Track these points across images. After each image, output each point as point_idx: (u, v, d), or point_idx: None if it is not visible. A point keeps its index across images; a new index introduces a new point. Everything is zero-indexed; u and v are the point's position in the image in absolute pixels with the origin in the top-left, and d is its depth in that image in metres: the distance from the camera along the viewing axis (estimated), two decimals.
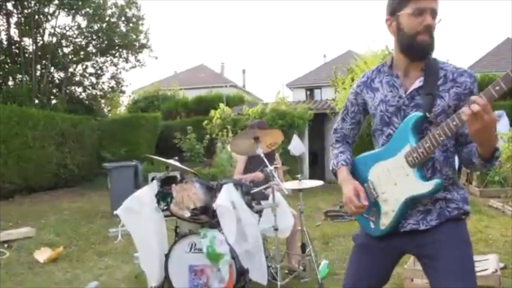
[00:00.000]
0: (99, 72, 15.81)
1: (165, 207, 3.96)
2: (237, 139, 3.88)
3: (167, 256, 3.59)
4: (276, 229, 3.69)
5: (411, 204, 1.84)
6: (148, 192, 3.91)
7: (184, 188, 3.76)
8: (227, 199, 3.56)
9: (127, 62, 15.65)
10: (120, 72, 15.96)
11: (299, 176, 4.29)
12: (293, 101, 15.34)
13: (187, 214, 3.67)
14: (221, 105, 13.51)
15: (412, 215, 1.87)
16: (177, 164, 4.11)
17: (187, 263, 3.54)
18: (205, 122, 13.49)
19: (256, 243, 3.59)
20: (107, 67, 15.82)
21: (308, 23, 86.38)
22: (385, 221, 1.90)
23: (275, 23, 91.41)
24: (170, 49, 69.06)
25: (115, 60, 15.61)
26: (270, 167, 3.70)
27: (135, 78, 26.34)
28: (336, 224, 6.87)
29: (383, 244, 1.96)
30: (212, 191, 3.86)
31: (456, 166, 1.82)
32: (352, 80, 12.88)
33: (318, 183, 4.22)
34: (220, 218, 3.57)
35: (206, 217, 3.79)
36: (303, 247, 4.18)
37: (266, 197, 4.11)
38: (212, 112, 13.52)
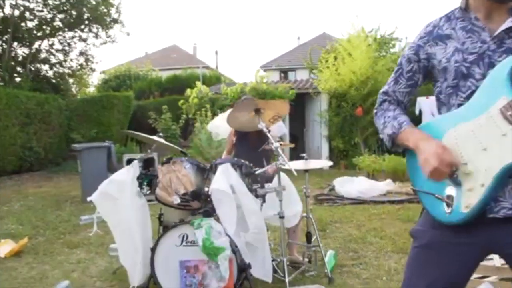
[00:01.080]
0: (66, 48, 14.77)
1: (148, 192, 3.37)
2: (235, 112, 3.30)
3: (153, 250, 3.01)
4: (281, 217, 3.15)
5: (507, 177, 1.35)
6: (128, 174, 3.31)
7: (172, 170, 3.17)
8: (225, 182, 2.99)
9: (97, 38, 14.64)
10: (90, 49, 14.97)
11: (304, 155, 3.75)
12: (272, 81, 14.74)
13: (177, 200, 3.09)
14: (198, 84, 12.85)
15: (506, 196, 1.38)
16: (162, 141, 3.50)
17: (178, 259, 2.96)
18: (181, 101, 12.82)
19: (259, 234, 3.03)
20: (75, 43, 14.79)
21: (282, 5, 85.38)
22: (471, 200, 1.39)
23: (248, 5, 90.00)
24: (141, 29, 67.13)
25: (84, 35, 14.58)
26: (275, 144, 3.14)
27: (106, 55, 25.09)
28: (329, 209, 6.40)
29: (462, 238, 1.46)
30: (205, 172, 3.29)
31: None
32: (335, 58, 12.42)
33: (326, 163, 3.70)
34: (217, 204, 3.01)
35: (198, 203, 3.22)
36: (309, 236, 3.66)
37: (269, 180, 3.56)
38: (188, 91, 12.85)
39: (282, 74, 25.88)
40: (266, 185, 3.48)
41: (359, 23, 12.81)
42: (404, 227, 5.18)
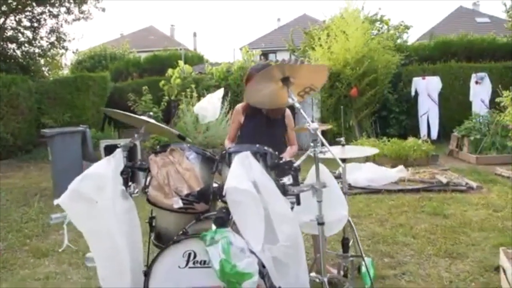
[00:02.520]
0: (35, 25, 13.50)
1: (136, 192, 2.52)
2: (256, 82, 2.43)
3: (147, 274, 2.17)
4: (321, 224, 2.33)
5: None
6: (108, 167, 2.44)
7: (170, 161, 2.31)
8: (245, 177, 2.15)
9: (69, 14, 13.40)
10: (62, 26, 13.70)
11: (341, 139, 2.92)
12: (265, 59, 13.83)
13: (178, 204, 2.24)
14: (180, 63, 11.86)
15: None
16: (153, 121, 2.62)
17: (183, 284, 2.13)
18: (162, 82, 11.83)
19: (293, 248, 2.21)
20: (45, 19, 13.50)
21: None
22: None
23: None
24: (115, 9, 64.88)
25: (55, 11, 13.31)
26: (313, 124, 2.30)
27: (79, 36, 23.55)
28: None
29: None
30: (213, 164, 2.44)
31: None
32: (328, 36, 11.61)
33: (371, 151, 2.89)
34: (234, 208, 2.17)
35: (205, 205, 2.39)
36: (345, 243, 2.86)
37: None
38: (170, 71, 11.85)
39: (262, 57, 25.10)
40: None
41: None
42: (435, 223, 4.46)
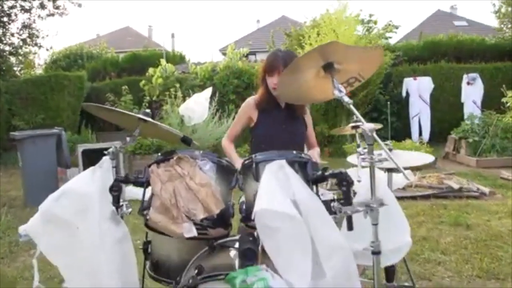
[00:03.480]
0: (5, 20, 12.61)
1: (128, 211, 1.94)
2: (289, 72, 1.86)
3: None
4: (376, 253, 1.78)
5: None
6: (92, 181, 1.86)
7: (178, 174, 1.73)
8: (282, 195, 1.60)
9: (43, 8, 12.53)
10: (34, 21, 12.82)
11: (388, 142, 2.37)
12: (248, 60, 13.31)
13: (191, 232, 1.66)
14: (162, 62, 11.21)
15: None
16: (152, 120, 2.02)
17: None
18: (143, 82, 11.17)
19: (344, 285, 1.66)
20: (16, 14, 12.62)
21: None
22: None
23: None
24: (92, 9, 63.48)
25: (26, 5, 12.44)
26: (368, 124, 1.76)
27: (54, 35, 22.55)
28: None
29: None
30: (232, 176, 1.87)
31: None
32: (318, 35, 11.14)
33: (427, 158, 2.37)
34: (269, 238, 1.61)
35: (223, 230, 1.82)
36: (390, 272, 2.32)
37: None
38: (151, 70, 11.20)
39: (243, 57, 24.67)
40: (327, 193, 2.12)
41: None
42: (460, 235, 4.00)
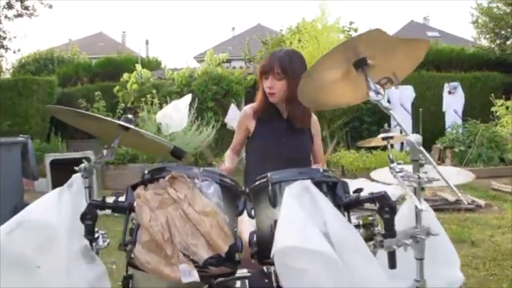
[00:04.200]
0: None
1: (104, 243, 1.53)
2: (316, 71, 1.48)
3: None
4: None
5: None
6: (59, 207, 1.44)
7: (172, 199, 1.32)
8: (311, 226, 1.22)
9: (10, 8, 11.88)
10: (0, 22, 12.15)
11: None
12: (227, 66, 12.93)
13: (191, 276, 1.25)
14: (138, 67, 10.72)
15: None
16: (133, 127, 1.61)
17: None
18: (117, 88, 10.66)
19: None
20: None
21: None
22: None
23: None
24: (64, 13, 62.13)
25: None
26: (414, 136, 1.41)
27: (23, 32, 21.67)
28: None
29: None
30: (239, 200, 1.49)
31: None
32: (299, 41, 10.87)
33: (467, 175, 2.04)
34: (292, 281, 1.22)
35: (227, 268, 1.42)
36: None
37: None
38: (126, 75, 10.69)
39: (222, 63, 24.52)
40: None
41: (325, 5, 11.41)
42: (467, 253, 3.75)
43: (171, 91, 10.41)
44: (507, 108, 7.32)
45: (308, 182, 1.34)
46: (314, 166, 2.37)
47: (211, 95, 10.48)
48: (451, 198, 5.43)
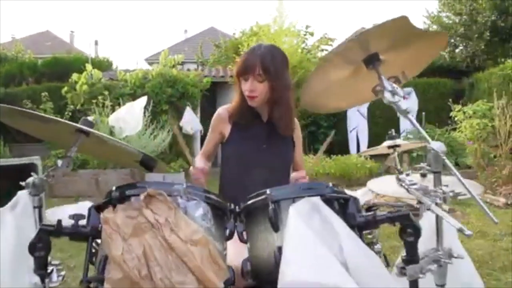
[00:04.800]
0: None
1: (57, 282, 1.22)
2: (318, 72, 1.24)
3: None
4: None
5: None
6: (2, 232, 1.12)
7: (150, 224, 1.04)
8: (326, 254, 0.98)
9: None
10: None
11: (423, 165, 1.81)
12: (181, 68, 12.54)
13: None
14: (88, 67, 10.17)
15: None
16: (96, 132, 1.32)
17: None
18: (65, 89, 10.06)
19: None
20: None
21: None
22: None
23: None
24: (7, 10, 59.20)
25: None
26: (437, 144, 1.20)
27: None
28: None
29: None
30: (227, 221, 1.22)
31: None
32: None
33: (476, 187, 1.85)
34: None
35: None
36: None
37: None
38: (75, 76, 10.09)
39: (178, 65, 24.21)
40: None
41: (283, 7, 11.34)
42: None
43: (123, 93, 9.92)
44: (464, 113, 7.42)
45: (317, 200, 1.10)
46: (294, 173, 2.14)
47: (166, 97, 10.08)
48: (414, 203, 5.37)
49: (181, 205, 1.09)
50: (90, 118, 1.35)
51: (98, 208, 1.16)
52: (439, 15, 14.69)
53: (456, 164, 8.30)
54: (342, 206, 1.19)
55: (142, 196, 1.09)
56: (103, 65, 14.38)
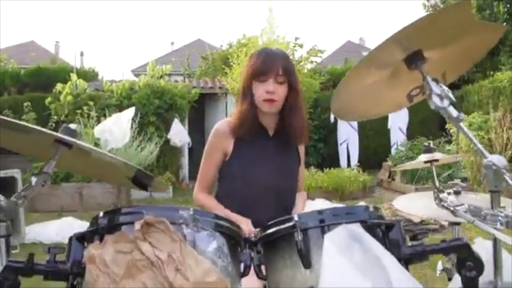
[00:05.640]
0: None
1: None
2: (353, 75, 1.02)
3: None
4: None
5: None
6: None
7: (149, 261, 0.80)
8: None
9: None
10: None
11: (457, 182, 1.59)
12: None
13: None
14: (73, 77, 9.90)
15: None
16: (80, 143, 1.08)
17: None
18: (49, 99, 9.78)
19: None
20: None
21: (154, 9, 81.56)
22: None
23: (117, 5, 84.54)
24: None
25: None
26: (496, 158, 0.98)
27: None
28: None
29: None
30: (241, 253, 0.98)
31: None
32: (246, 55, 10.56)
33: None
34: None
35: None
36: None
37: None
38: (59, 86, 9.81)
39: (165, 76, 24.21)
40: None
41: (273, 18, 11.25)
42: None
43: (109, 104, 9.64)
44: None
45: (356, 227, 0.88)
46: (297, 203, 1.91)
47: (153, 109, 9.82)
48: (416, 219, 5.19)
49: (188, 237, 0.86)
50: (72, 126, 1.12)
51: (82, 239, 0.92)
52: None
53: (450, 177, 8.18)
54: (385, 234, 0.98)
55: (137, 225, 0.85)
56: (88, 76, 14.09)
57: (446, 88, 1.03)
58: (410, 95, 1.19)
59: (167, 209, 0.91)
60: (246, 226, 1.51)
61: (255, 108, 1.76)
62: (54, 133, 1.03)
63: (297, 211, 1.78)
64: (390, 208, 5.71)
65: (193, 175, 10.95)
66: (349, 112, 1.33)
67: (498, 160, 1.01)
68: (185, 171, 10.90)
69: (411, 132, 10.04)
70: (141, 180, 1.23)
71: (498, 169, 0.98)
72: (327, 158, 11.07)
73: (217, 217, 0.95)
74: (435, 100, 1.02)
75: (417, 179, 8.24)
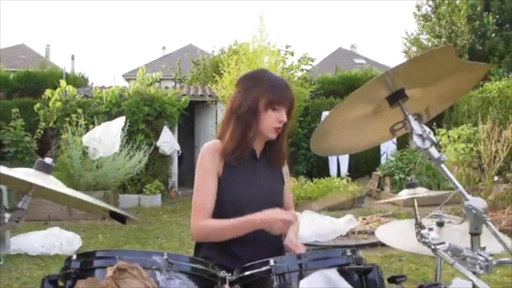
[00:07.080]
0: None
1: None
2: (340, 111, 1.01)
3: None
4: None
5: None
6: None
7: None
8: None
9: None
10: None
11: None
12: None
13: None
14: (62, 83, 9.82)
15: None
16: (55, 189, 1.06)
17: None
18: (37, 105, 9.70)
19: None
20: None
21: (146, 13, 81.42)
22: None
23: (109, 9, 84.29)
24: None
25: None
26: (478, 200, 0.97)
27: None
28: None
29: None
30: None
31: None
32: (236, 63, 10.52)
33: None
34: None
35: None
36: None
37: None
38: (48, 92, 9.73)
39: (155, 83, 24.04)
40: None
41: (264, 27, 11.24)
42: None
43: (98, 111, 9.57)
44: (448, 137, 7.36)
45: (333, 273, 0.87)
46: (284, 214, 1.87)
47: (142, 116, 9.75)
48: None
49: (161, 284, 0.84)
50: (48, 160, 1.09)
51: (54, 282, 0.90)
52: (418, 37, 14.86)
53: (439, 188, 8.22)
54: (362, 277, 0.96)
55: (110, 272, 0.83)
56: (78, 81, 14.00)
57: (427, 130, 1.03)
58: (393, 129, 1.19)
59: (140, 254, 0.89)
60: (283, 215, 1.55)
61: (256, 133, 1.73)
62: (27, 179, 1.00)
63: (290, 238, 1.74)
64: (379, 221, 5.73)
65: (182, 183, 10.82)
66: (330, 147, 1.32)
67: (478, 203, 1.00)
68: (174, 179, 10.79)
69: (401, 142, 10.06)
70: (117, 217, 1.21)
71: (478, 213, 0.98)
72: (317, 166, 11.08)
73: (191, 260, 0.93)
74: (416, 140, 1.01)
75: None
